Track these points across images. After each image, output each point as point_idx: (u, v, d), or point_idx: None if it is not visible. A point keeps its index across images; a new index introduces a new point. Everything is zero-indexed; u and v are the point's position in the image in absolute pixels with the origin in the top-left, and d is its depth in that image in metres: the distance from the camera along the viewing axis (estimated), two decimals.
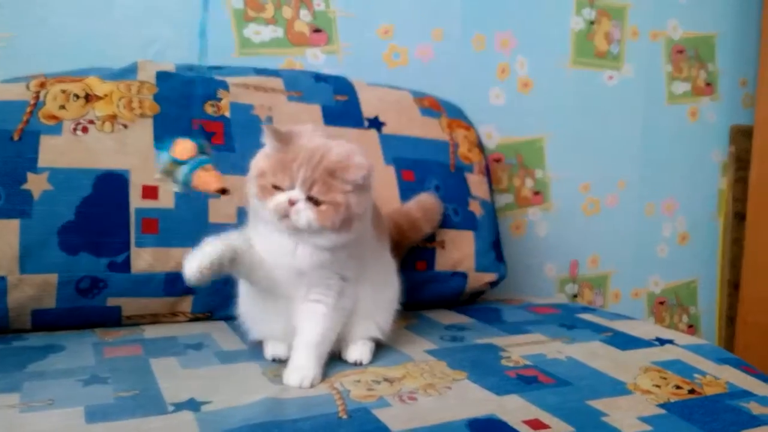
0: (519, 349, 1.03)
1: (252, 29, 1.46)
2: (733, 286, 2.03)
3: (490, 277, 1.30)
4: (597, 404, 0.82)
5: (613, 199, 1.88)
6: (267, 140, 0.87)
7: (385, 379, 0.89)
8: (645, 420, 0.78)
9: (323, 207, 0.83)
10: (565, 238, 1.82)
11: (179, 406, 0.78)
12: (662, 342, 1.09)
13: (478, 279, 1.28)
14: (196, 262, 0.82)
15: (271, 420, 0.74)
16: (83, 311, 1.06)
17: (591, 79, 1.82)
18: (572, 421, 0.76)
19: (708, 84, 2.00)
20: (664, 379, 0.92)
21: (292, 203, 0.83)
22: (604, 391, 0.86)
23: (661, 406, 0.83)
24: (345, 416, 0.77)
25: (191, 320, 1.14)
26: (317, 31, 1.51)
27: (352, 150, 0.87)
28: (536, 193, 1.78)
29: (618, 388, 0.88)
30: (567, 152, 1.80)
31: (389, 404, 0.80)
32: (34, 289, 1.02)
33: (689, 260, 2.02)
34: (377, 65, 1.57)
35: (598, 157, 1.85)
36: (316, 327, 0.89)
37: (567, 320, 1.21)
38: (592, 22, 1.80)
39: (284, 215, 0.83)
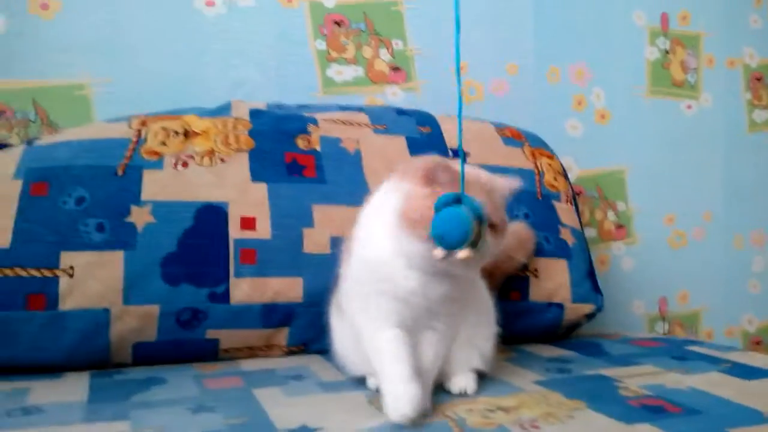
0: (634, 380, 0.97)
1: (334, 69, 1.49)
2: None
3: (588, 308, 1.24)
4: None
5: (700, 232, 1.80)
6: (436, 177, 0.79)
7: (500, 408, 0.84)
8: None
9: (497, 233, 0.81)
10: (651, 273, 1.75)
11: None
12: None
13: (575, 310, 1.23)
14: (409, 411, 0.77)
15: None
16: (182, 344, 1.06)
17: (669, 109, 1.78)
18: None
19: None
20: None
21: None
22: (742, 420, 0.79)
23: None
24: None
25: (286, 354, 1.12)
26: (396, 69, 1.54)
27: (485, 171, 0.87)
28: (619, 226, 1.72)
29: (756, 418, 0.81)
30: (649, 184, 1.75)
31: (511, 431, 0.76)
32: (137, 321, 1.03)
33: None
34: (454, 100, 1.56)
35: (681, 188, 1.79)
36: (428, 355, 0.85)
37: (676, 352, 1.14)
38: (667, 52, 1.78)
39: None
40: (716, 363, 1.06)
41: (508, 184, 0.86)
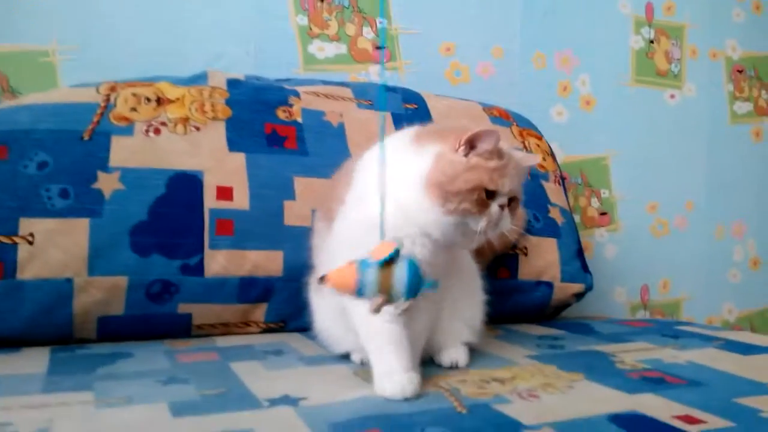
0: (629, 355, 0.93)
1: (316, 45, 1.44)
2: None
3: (577, 287, 1.21)
4: (747, 401, 0.71)
5: (682, 221, 1.79)
6: (491, 145, 0.74)
7: (494, 380, 0.79)
8: None
9: (515, 207, 0.79)
10: (634, 261, 1.72)
11: (274, 402, 0.70)
12: None
13: (564, 289, 1.19)
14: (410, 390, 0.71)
15: (383, 413, 0.66)
16: (152, 319, 0.99)
17: (653, 98, 1.77)
18: (729, 417, 0.66)
19: None
20: None
21: (503, 209, 0.76)
22: (748, 391, 0.76)
23: None
24: (464, 410, 0.67)
25: (264, 331, 1.06)
26: (379, 48, 1.49)
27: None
28: (602, 213, 1.70)
29: (762, 388, 0.77)
30: (632, 171, 1.73)
31: (509, 401, 0.71)
32: (102, 293, 0.95)
33: (762, 287, 1.90)
34: (439, 82, 1.53)
35: (664, 177, 1.77)
36: (421, 322, 0.80)
37: (667, 331, 1.11)
38: (651, 41, 1.77)
39: (495, 224, 0.75)
40: (709, 340, 1.04)
41: (532, 160, 0.88)
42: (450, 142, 0.75)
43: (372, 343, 0.76)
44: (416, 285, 0.66)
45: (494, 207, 0.75)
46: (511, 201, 0.77)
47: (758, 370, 0.85)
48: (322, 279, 0.68)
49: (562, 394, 0.74)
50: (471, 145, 0.74)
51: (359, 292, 0.65)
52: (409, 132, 0.82)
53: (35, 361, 0.86)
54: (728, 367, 0.87)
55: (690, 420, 0.65)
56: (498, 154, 0.75)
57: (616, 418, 0.65)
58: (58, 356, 0.89)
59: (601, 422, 0.64)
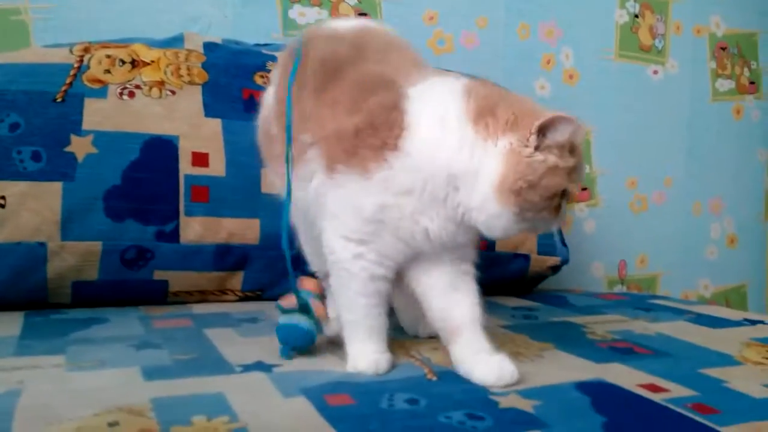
0: (601, 326, 0.95)
1: (297, 10, 1.41)
2: None
3: (553, 260, 1.22)
4: (711, 372, 0.73)
5: (661, 197, 1.81)
6: (565, 137, 0.65)
7: None
8: None
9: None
10: (612, 236, 1.74)
11: (247, 368, 0.70)
12: (753, 322, 1.01)
13: (540, 262, 1.20)
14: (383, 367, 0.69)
15: (355, 381, 0.66)
16: (127, 285, 0.98)
17: (636, 74, 1.76)
18: (692, 386, 0.68)
19: (752, 82, 1.95)
20: None
21: None
22: (713, 362, 0.78)
23: None
24: (434, 377, 0.68)
25: (240, 299, 1.06)
26: (362, 14, 1.46)
27: None
28: (583, 189, 1.71)
29: (726, 359, 0.79)
30: (613, 147, 1.73)
31: None
32: (76, 258, 0.94)
33: (738, 263, 1.93)
34: (422, 51, 1.51)
35: (644, 153, 1.78)
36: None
37: (641, 304, 1.13)
38: (636, 16, 1.76)
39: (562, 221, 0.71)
40: (681, 314, 1.06)
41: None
42: (521, 131, 0.65)
43: (355, 323, 0.71)
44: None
45: (564, 205, 0.68)
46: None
47: (725, 343, 0.86)
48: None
49: (531, 362, 0.75)
50: (542, 133, 0.65)
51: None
52: (463, 99, 0.68)
53: (8, 324, 0.85)
54: (696, 339, 0.88)
55: (654, 389, 0.66)
56: (570, 147, 0.66)
57: (582, 386, 0.66)
58: (32, 320, 0.88)
59: (567, 389, 0.65)
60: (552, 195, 0.65)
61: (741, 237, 1.93)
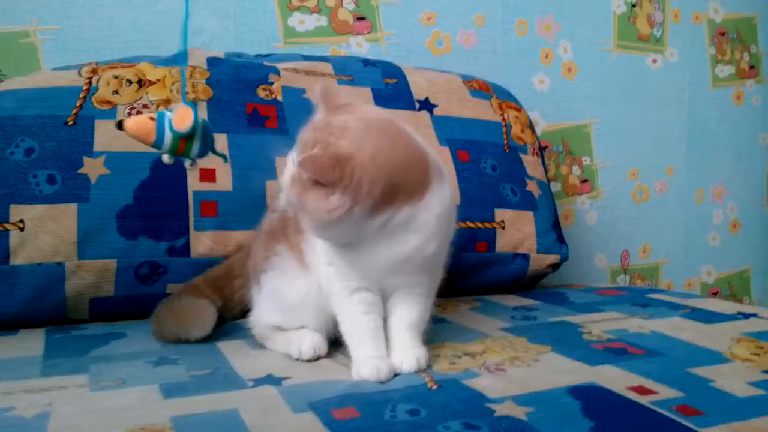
0: (597, 325, 0.98)
1: (296, 18, 1.44)
2: None
3: (553, 258, 1.25)
4: (699, 371, 0.77)
5: (662, 186, 1.83)
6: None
7: (466, 354, 0.84)
8: (755, 384, 0.73)
9: None
10: (614, 227, 1.77)
11: (259, 382, 0.74)
12: (746, 316, 1.04)
13: (540, 261, 1.24)
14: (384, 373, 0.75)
15: (359, 392, 0.70)
16: (142, 299, 1.03)
17: (635, 63, 1.78)
18: (679, 387, 0.71)
19: (752, 66, 1.95)
20: (761, 348, 0.87)
21: None
22: (703, 360, 0.81)
23: (767, 372, 0.77)
24: (435, 386, 0.72)
25: (249, 311, 1.10)
26: (360, 19, 1.49)
27: None
28: (584, 181, 1.73)
29: (716, 357, 0.83)
30: (613, 138, 1.75)
31: (478, 374, 0.76)
32: (93, 276, 0.99)
33: (741, 249, 1.96)
34: (421, 52, 1.54)
35: (645, 143, 1.80)
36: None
37: (638, 300, 1.16)
38: (633, 5, 1.77)
39: None
40: (677, 309, 1.09)
41: None
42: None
43: (351, 331, 0.79)
44: (207, 152, 0.82)
45: None
46: None
47: (715, 338, 0.90)
48: (119, 124, 0.78)
49: (528, 367, 0.79)
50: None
51: (155, 146, 0.79)
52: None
53: (31, 343, 0.90)
54: (688, 336, 0.92)
55: (642, 391, 0.70)
56: None
57: (574, 390, 0.70)
58: (54, 338, 0.93)
59: (559, 394, 0.69)
60: None
61: (743, 222, 1.95)
